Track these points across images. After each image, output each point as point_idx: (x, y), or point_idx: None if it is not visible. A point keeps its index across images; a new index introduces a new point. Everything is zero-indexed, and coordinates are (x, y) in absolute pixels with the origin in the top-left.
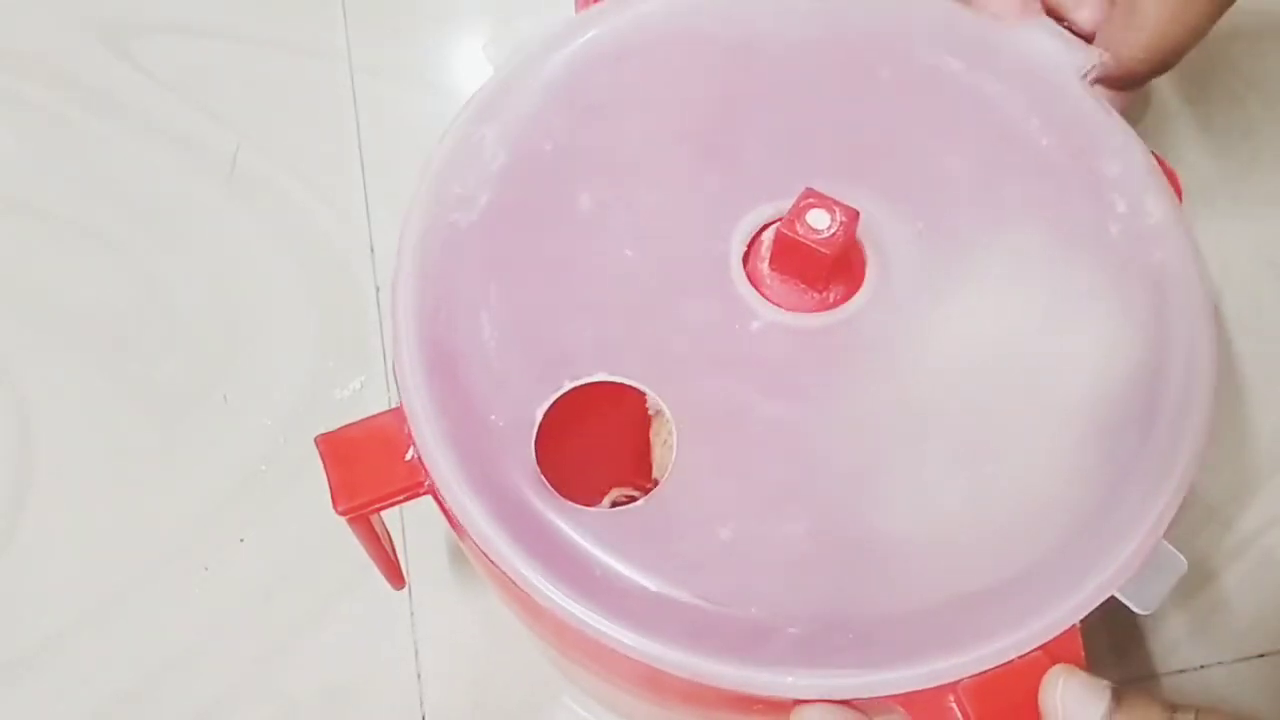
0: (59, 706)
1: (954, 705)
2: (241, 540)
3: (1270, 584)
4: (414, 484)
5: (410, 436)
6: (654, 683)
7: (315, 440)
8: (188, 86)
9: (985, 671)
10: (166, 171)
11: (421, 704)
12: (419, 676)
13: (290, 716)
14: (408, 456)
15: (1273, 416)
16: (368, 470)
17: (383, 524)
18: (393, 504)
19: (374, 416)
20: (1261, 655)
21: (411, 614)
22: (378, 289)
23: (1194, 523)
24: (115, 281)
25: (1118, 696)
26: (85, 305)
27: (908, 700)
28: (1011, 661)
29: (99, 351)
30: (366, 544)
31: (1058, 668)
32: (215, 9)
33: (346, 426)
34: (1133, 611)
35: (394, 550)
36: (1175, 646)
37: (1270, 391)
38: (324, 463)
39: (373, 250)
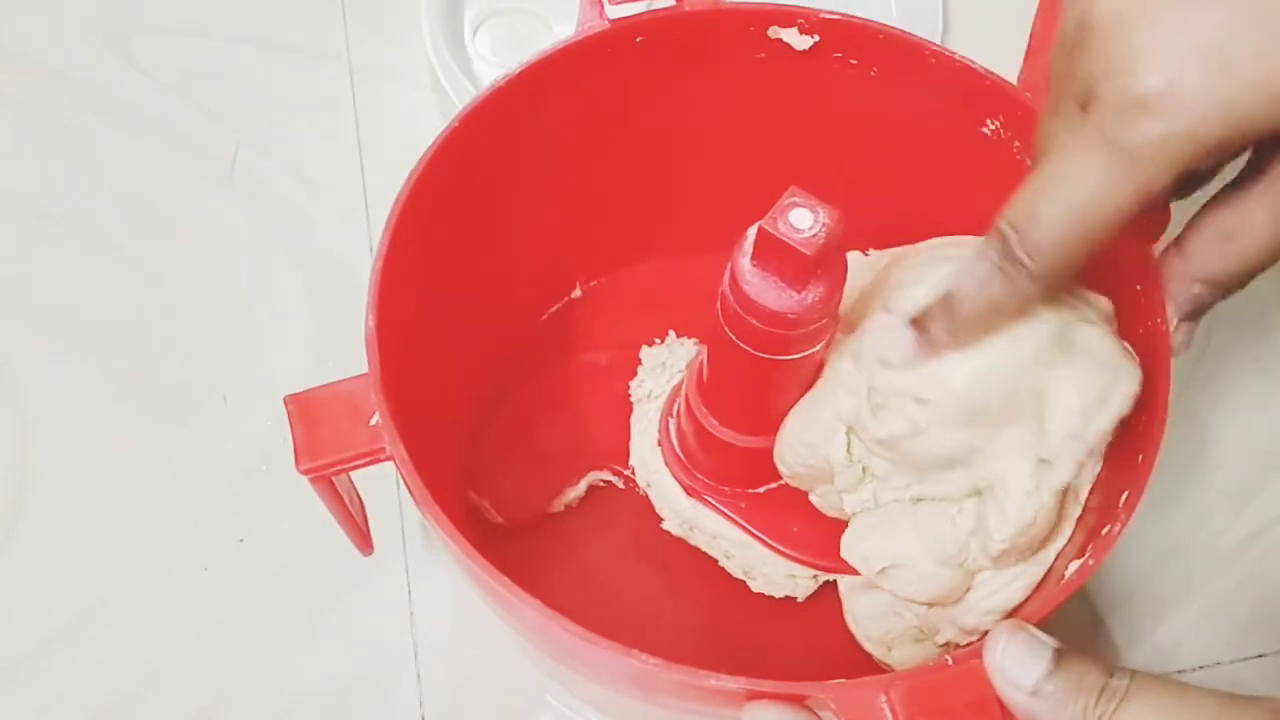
0: (59, 706)
1: (885, 705)
2: (241, 540)
3: (1269, 585)
4: (376, 449)
5: (375, 402)
6: (591, 665)
7: (284, 400)
8: (188, 86)
9: (920, 675)
10: (166, 171)
11: (421, 704)
12: (419, 676)
13: (290, 716)
14: (372, 421)
15: (1272, 418)
16: (332, 432)
17: (353, 488)
18: (355, 467)
19: (343, 381)
20: (1261, 655)
21: (411, 614)
22: None
23: (1193, 524)
24: (115, 281)
25: (1058, 657)
26: (85, 305)
27: (839, 697)
28: (947, 667)
29: (99, 352)
30: (330, 506)
31: (1003, 624)
32: (215, 9)
33: (315, 389)
34: (1134, 613)
35: (363, 516)
36: (1175, 647)
37: (1269, 393)
38: (290, 422)
39: (372, 250)
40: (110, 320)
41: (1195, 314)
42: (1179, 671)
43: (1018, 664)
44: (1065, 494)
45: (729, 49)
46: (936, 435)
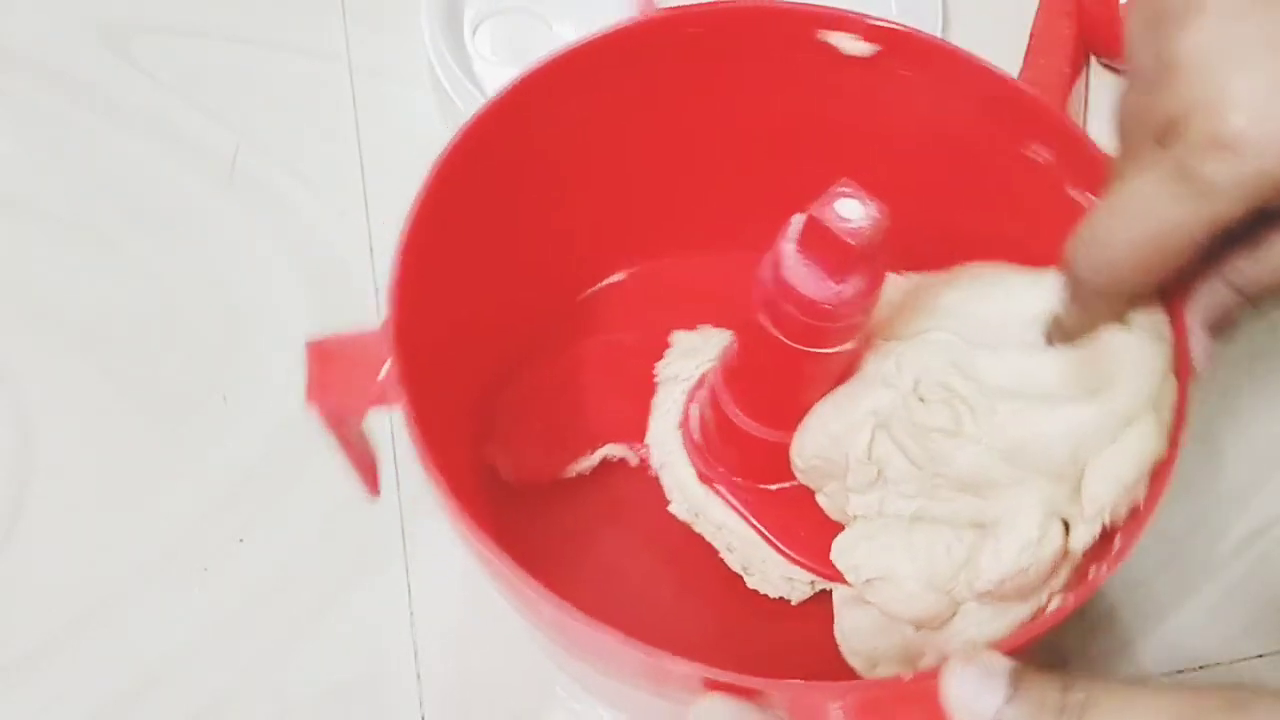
0: (59, 706)
1: (838, 712)
2: (241, 540)
3: (1269, 585)
4: (386, 398)
5: (388, 355)
6: (559, 629)
7: (306, 345)
8: (188, 86)
9: (876, 688)
10: (166, 171)
11: (421, 704)
12: (419, 676)
13: (290, 716)
14: (382, 373)
15: (1271, 419)
16: (345, 376)
17: (364, 435)
18: (363, 412)
19: (363, 332)
20: (1261, 655)
21: (411, 614)
22: (377, 289)
23: (1193, 524)
24: (115, 281)
25: (1015, 681)
26: (85, 305)
27: (793, 698)
28: (904, 684)
29: (99, 351)
30: (339, 443)
31: (957, 654)
32: (216, 9)
33: (337, 335)
34: (1134, 613)
35: (374, 457)
36: (1175, 647)
37: (1268, 393)
38: (307, 363)
39: (372, 250)
40: (110, 320)
41: (1220, 325)
42: (1179, 671)
43: (975, 694)
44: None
45: (778, 48)
46: (972, 449)
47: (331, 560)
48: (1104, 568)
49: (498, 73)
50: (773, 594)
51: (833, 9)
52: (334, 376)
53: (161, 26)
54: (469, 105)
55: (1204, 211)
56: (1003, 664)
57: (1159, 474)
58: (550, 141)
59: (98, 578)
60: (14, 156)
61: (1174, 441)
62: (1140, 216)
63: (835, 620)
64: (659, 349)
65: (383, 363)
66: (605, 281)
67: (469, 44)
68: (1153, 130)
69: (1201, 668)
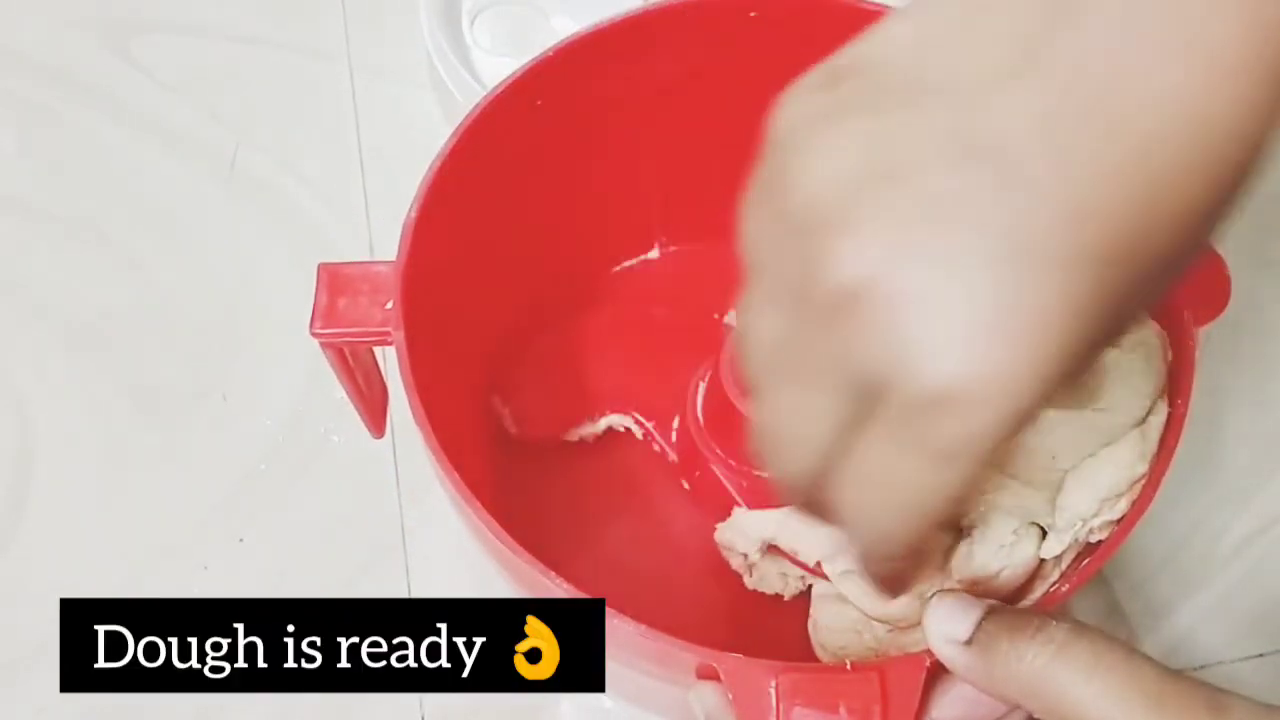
0: (59, 706)
1: (772, 690)
2: (241, 540)
3: (1269, 584)
4: (385, 332)
5: (395, 288)
6: (503, 566)
7: (318, 267)
8: (188, 86)
9: (815, 671)
10: (166, 171)
11: (421, 704)
12: None
13: (290, 716)
14: (388, 305)
15: (1271, 418)
16: (352, 306)
17: (376, 370)
18: (363, 343)
19: (375, 262)
20: (1261, 655)
21: None
22: None
23: (1193, 524)
24: (115, 281)
25: (991, 609)
26: (84, 305)
27: (732, 669)
28: (844, 670)
29: (99, 351)
30: (341, 376)
31: (939, 592)
32: (215, 9)
33: (349, 263)
34: (1134, 613)
35: (383, 397)
36: (1175, 647)
37: (1269, 393)
38: (316, 287)
39: (372, 250)
40: (109, 319)
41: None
42: (1178, 670)
43: (950, 619)
44: (1043, 561)
45: (820, 33)
46: None
47: (331, 560)
48: (1065, 586)
49: (496, 64)
50: (769, 591)
51: None
52: (340, 305)
53: (161, 26)
54: (467, 97)
55: (953, 474)
56: (982, 600)
57: (1140, 496)
58: (575, 120)
59: (97, 578)
60: (14, 156)
61: (1158, 467)
62: (897, 492)
63: (811, 613)
64: (686, 326)
65: (392, 294)
66: (641, 257)
67: (467, 35)
68: (846, 378)
69: (1203, 666)
